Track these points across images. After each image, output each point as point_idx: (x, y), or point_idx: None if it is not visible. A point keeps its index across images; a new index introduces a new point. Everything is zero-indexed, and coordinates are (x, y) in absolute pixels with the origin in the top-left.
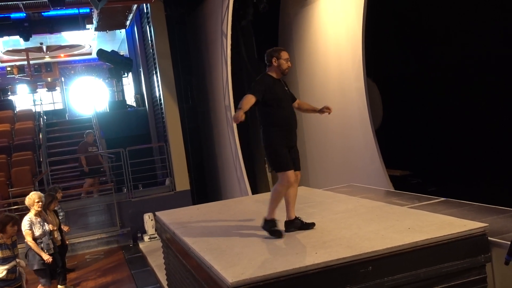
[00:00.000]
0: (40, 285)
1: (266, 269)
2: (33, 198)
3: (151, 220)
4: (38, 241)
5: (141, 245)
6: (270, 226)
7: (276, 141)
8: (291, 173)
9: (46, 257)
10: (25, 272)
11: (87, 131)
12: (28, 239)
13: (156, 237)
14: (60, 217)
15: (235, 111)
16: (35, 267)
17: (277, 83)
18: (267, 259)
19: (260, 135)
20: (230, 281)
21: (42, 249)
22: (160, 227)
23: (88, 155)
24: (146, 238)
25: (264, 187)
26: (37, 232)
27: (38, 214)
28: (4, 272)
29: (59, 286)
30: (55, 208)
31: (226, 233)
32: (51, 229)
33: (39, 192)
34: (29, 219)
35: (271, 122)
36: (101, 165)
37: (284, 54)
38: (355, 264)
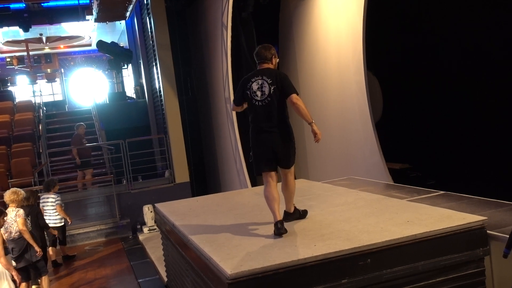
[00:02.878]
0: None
1: (265, 261)
2: (23, 194)
3: (151, 211)
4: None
5: (140, 237)
6: (299, 212)
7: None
8: None
9: (38, 249)
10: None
11: (78, 123)
12: (25, 229)
13: (155, 228)
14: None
15: (313, 127)
16: (34, 259)
17: None
18: (266, 251)
19: (280, 128)
20: (229, 272)
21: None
22: (160, 219)
23: (80, 148)
24: (145, 229)
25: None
26: (29, 227)
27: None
28: (14, 263)
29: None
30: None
31: (225, 225)
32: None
33: (20, 189)
34: (23, 212)
35: (287, 116)
36: (91, 157)
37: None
38: (354, 256)
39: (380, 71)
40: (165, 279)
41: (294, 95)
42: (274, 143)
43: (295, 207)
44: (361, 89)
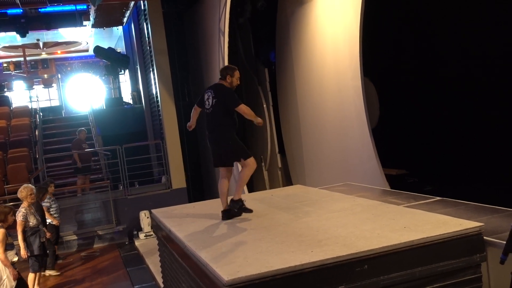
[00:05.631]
0: (30, 272)
1: (262, 267)
2: (26, 191)
3: (147, 217)
4: (34, 229)
5: (137, 243)
6: (241, 203)
7: (236, 136)
8: (253, 158)
9: (23, 252)
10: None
11: (80, 128)
12: (19, 230)
13: (152, 234)
14: (53, 209)
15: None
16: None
17: None
18: (263, 257)
19: (216, 133)
20: (226, 279)
21: (37, 237)
22: (156, 225)
23: (81, 152)
24: (142, 235)
25: (260, 185)
26: (32, 222)
27: (30, 205)
28: (16, 257)
29: (47, 271)
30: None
31: (222, 231)
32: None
33: (30, 185)
34: (24, 211)
35: (233, 124)
36: (91, 163)
37: (237, 74)
38: (351, 262)
39: (376, 77)
40: (162, 285)
41: (237, 107)
42: (214, 144)
43: (240, 198)
44: (358, 95)
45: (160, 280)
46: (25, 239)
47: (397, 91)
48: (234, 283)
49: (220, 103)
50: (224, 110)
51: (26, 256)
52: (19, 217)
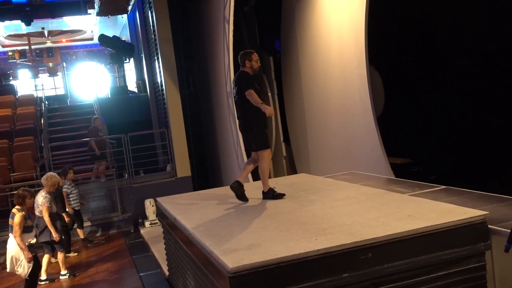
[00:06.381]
0: (59, 252)
1: (266, 255)
2: (53, 180)
3: (152, 206)
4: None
5: (142, 231)
6: (272, 192)
7: (262, 124)
8: (269, 150)
9: (55, 235)
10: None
11: (94, 116)
12: (47, 215)
13: (157, 222)
14: (73, 195)
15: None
16: (49, 239)
17: (254, 78)
18: (267, 245)
19: (243, 119)
20: (230, 266)
21: (57, 222)
22: (161, 213)
23: (98, 139)
24: (147, 223)
25: None
26: (54, 208)
27: (49, 192)
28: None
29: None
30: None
31: (227, 219)
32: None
33: (57, 176)
34: (49, 198)
35: (256, 109)
36: (107, 149)
37: (255, 56)
38: (355, 250)
39: (382, 65)
40: (167, 273)
41: (246, 92)
42: (242, 130)
43: (270, 188)
44: (363, 83)
45: (165, 267)
46: (52, 223)
47: (403, 79)
48: (239, 270)
49: (240, 90)
50: (244, 97)
51: (59, 239)
52: (46, 203)
